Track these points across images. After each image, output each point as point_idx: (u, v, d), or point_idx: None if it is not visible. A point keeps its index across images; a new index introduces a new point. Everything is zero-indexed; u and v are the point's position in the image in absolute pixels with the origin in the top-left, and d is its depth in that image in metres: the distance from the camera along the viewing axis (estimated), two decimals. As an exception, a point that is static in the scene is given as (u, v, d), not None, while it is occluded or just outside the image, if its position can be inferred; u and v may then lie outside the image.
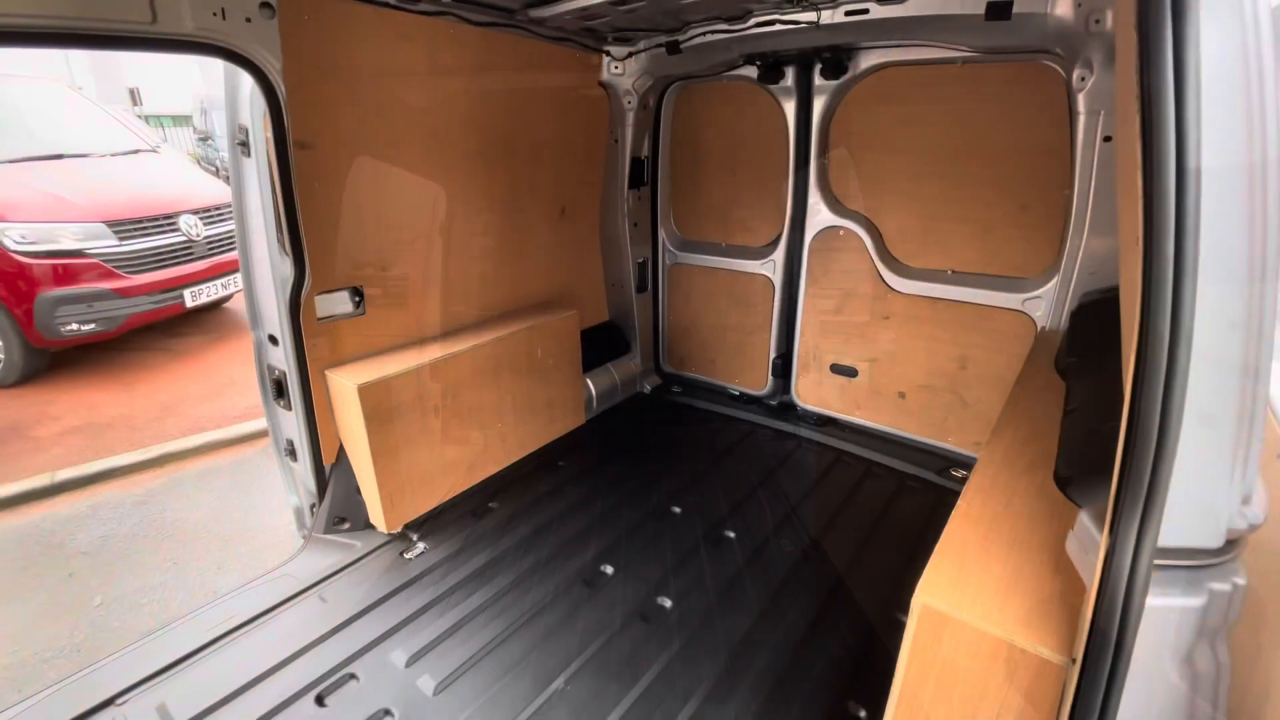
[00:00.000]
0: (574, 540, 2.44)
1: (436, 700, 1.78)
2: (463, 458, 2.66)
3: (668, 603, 2.14)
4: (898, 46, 2.60)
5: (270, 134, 1.97)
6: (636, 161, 3.27)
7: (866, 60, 2.71)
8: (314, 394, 2.31)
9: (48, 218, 4.86)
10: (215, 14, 1.72)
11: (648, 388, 3.75)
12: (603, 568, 2.30)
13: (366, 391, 2.23)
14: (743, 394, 3.54)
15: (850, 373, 3.15)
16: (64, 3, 1.45)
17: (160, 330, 6.08)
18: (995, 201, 2.58)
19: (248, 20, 1.79)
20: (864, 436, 3.14)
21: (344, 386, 2.25)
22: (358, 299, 2.35)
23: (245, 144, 2.07)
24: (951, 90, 2.56)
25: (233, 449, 4.33)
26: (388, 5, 2.09)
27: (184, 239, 5.52)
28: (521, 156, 2.82)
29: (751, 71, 2.93)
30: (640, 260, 3.52)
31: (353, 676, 1.85)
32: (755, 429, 3.32)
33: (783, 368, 3.33)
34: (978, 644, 0.99)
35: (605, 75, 3.01)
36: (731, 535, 2.48)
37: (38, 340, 4.89)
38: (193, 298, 5.58)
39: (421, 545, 2.42)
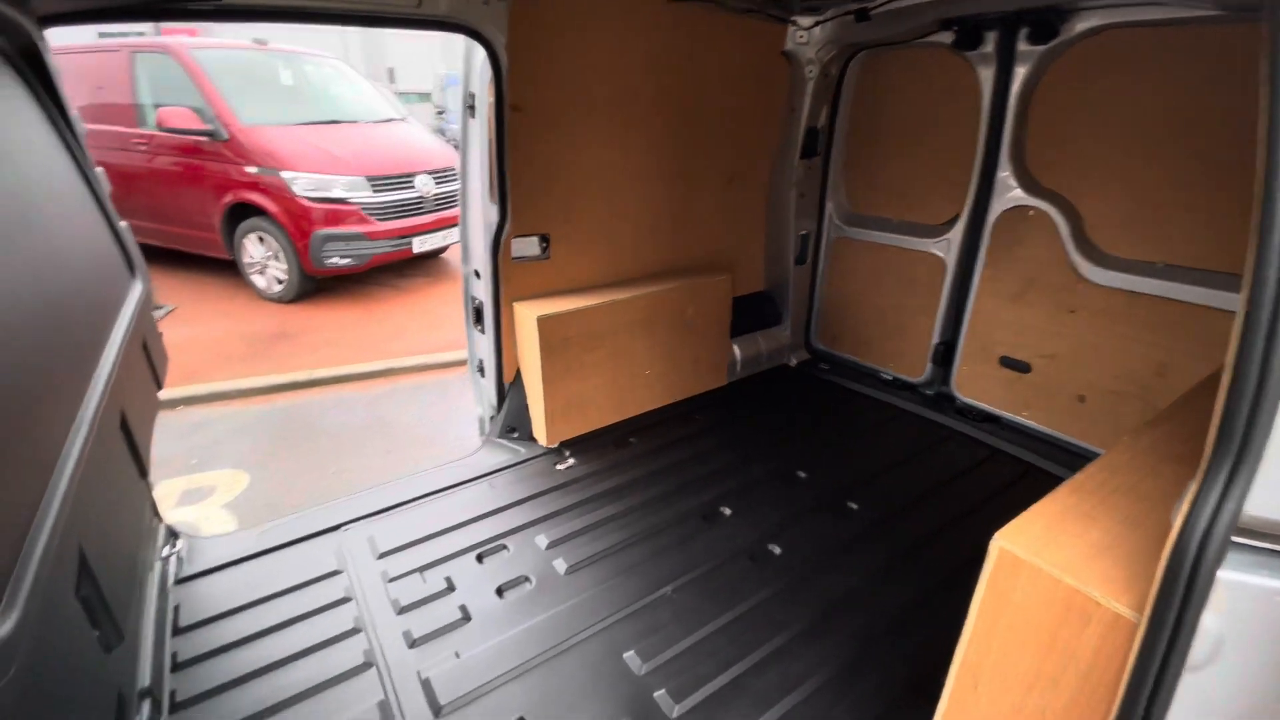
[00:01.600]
0: (699, 481, 2.67)
1: (565, 578, 2.14)
2: (614, 394, 3.01)
3: (777, 549, 2.29)
4: (1126, 5, 2.34)
5: (492, 99, 2.42)
6: (811, 131, 3.31)
7: (1084, 22, 2.47)
8: (503, 322, 2.79)
9: (324, 170, 6.16)
10: None
11: (794, 361, 3.81)
12: (721, 508, 2.51)
13: (544, 322, 2.65)
14: (896, 379, 3.46)
15: (1022, 368, 2.94)
16: None
17: (392, 270, 7.39)
18: (1233, 188, 2.24)
19: (485, 3, 2.21)
20: (1027, 438, 2.92)
21: (526, 317, 2.69)
22: (544, 244, 2.78)
23: (473, 108, 2.55)
24: (1183, 57, 2.25)
25: (439, 371, 5.23)
26: (594, -15, 2.42)
27: (418, 195, 6.64)
28: (698, 125, 3.03)
29: (946, 37, 2.81)
30: (803, 232, 3.57)
31: (504, 547, 2.29)
32: (904, 416, 3.25)
33: (944, 355, 3.19)
34: (1051, 591, 1.02)
35: (788, 45, 3.09)
36: (854, 507, 2.53)
37: (310, 269, 6.26)
38: (419, 245, 6.70)
39: (571, 460, 2.82)
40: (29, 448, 0.79)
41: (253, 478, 3.85)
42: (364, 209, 6.28)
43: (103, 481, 1.02)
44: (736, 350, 3.60)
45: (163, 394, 5.11)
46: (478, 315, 2.86)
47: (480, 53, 2.36)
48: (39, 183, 1.30)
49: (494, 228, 2.63)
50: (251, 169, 6.11)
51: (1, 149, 1.20)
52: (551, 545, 2.29)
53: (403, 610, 2.00)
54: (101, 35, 7.79)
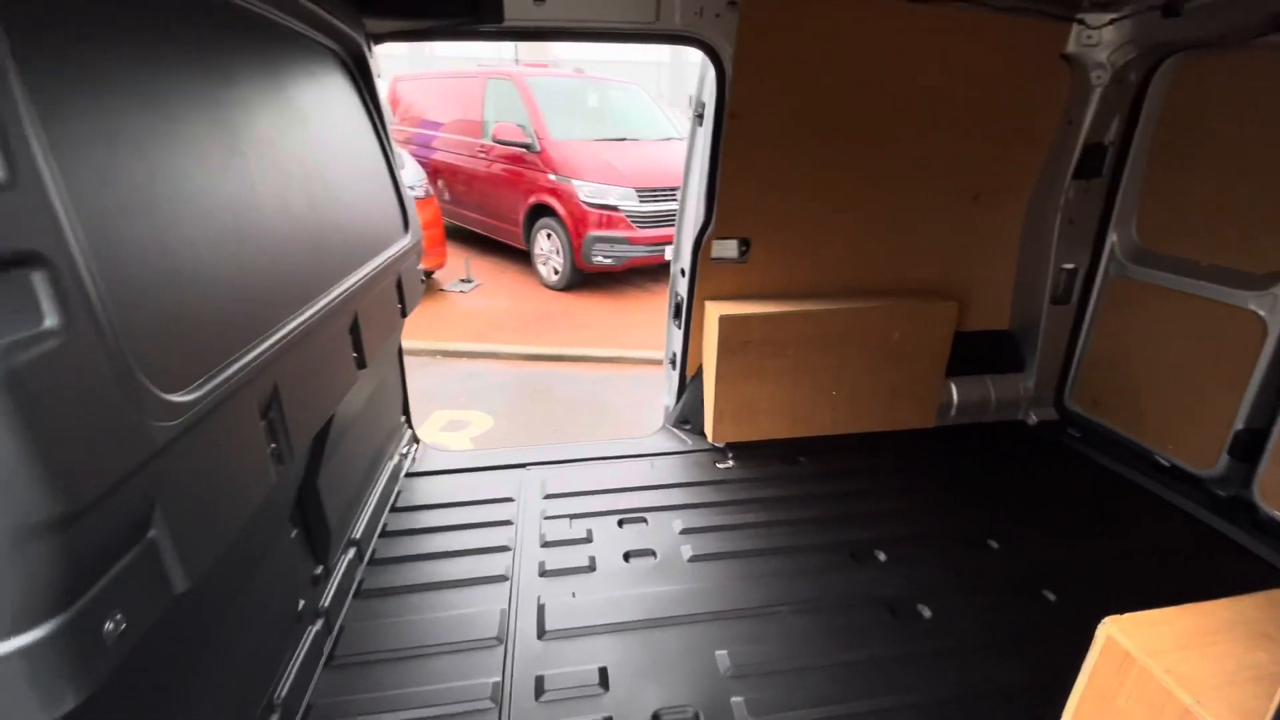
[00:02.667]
0: (861, 518, 2.45)
1: (688, 564, 2.19)
2: (789, 407, 2.93)
3: (927, 612, 2.00)
4: None
5: (714, 106, 2.58)
6: (1094, 148, 2.76)
7: None
8: (694, 318, 2.94)
9: (604, 180, 7.09)
10: (696, 12, 2.37)
11: (1034, 419, 3.20)
12: (877, 552, 2.27)
13: (725, 321, 2.73)
14: (1174, 467, 2.68)
15: None
16: (608, 9, 2.29)
17: (646, 273, 8.14)
18: None
19: (717, 16, 2.39)
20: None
21: (711, 314, 2.80)
22: (744, 248, 2.85)
23: (700, 115, 2.75)
24: None
25: (658, 367, 5.66)
26: (831, -7, 2.40)
27: (676, 207, 7.22)
28: (941, 135, 2.77)
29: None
30: (1068, 266, 2.98)
31: (644, 520, 2.43)
32: (1173, 514, 2.51)
33: (1249, 448, 2.37)
34: (1160, 704, 0.76)
35: (1071, 47, 2.62)
36: (1051, 597, 2.07)
37: (580, 263, 7.25)
38: (669, 253, 7.27)
39: (731, 462, 2.84)
40: (279, 312, 1.18)
41: (495, 422, 4.68)
42: (629, 216, 7.06)
43: (328, 363, 1.43)
44: (954, 391, 3.17)
45: (455, 346, 6.36)
46: (676, 310, 3.05)
47: (710, 65, 2.55)
48: (355, 152, 1.87)
49: (698, 228, 2.79)
50: (553, 176, 7.34)
51: (337, 126, 1.77)
52: (685, 531, 2.36)
53: (545, 544, 2.28)
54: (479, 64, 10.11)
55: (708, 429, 2.96)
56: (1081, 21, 2.58)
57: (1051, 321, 3.09)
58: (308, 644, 1.71)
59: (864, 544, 2.31)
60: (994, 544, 2.32)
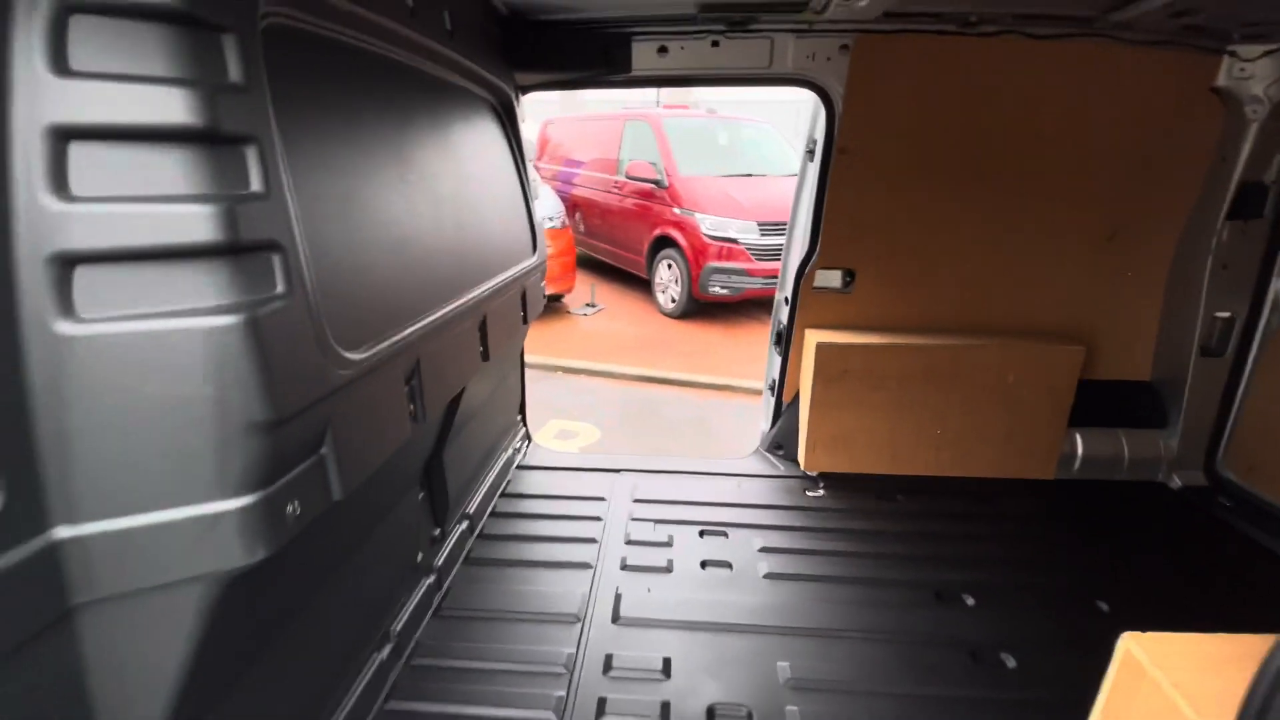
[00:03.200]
0: (954, 561, 2.37)
1: (761, 580, 2.26)
2: (888, 443, 2.89)
3: (1011, 662, 1.90)
4: None
5: (823, 142, 2.70)
6: (1252, 187, 2.50)
7: None
8: (793, 346, 3.02)
9: (726, 214, 7.31)
10: (808, 57, 2.52)
11: (1177, 482, 2.87)
12: (965, 596, 2.19)
13: (823, 349, 2.78)
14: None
15: None
16: (725, 58, 2.51)
17: (761, 305, 8.19)
18: None
19: (828, 59, 2.52)
20: None
21: (810, 342, 2.87)
22: (849, 279, 2.89)
23: (812, 152, 2.87)
24: None
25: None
26: (946, 33, 2.45)
27: (797, 240, 7.25)
28: (1067, 170, 2.67)
29: None
30: (1222, 314, 2.69)
31: (724, 534, 2.53)
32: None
33: None
34: (1167, 717, 0.77)
35: (1222, 80, 2.42)
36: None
37: (696, 293, 7.49)
38: (787, 285, 7.30)
39: (822, 491, 2.85)
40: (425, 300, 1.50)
41: (602, 435, 4.98)
42: (749, 249, 7.20)
43: (458, 351, 1.74)
44: (1079, 442, 2.94)
45: (575, 364, 6.81)
46: (778, 338, 3.15)
47: (821, 105, 2.68)
48: (497, 183, 2.23)
49: (801, 258, 2.89)
50: (677, 210, 7.70)
51: (485, 161, 2.14)
52: (764, 550, 2.42)
53: (629, 542, 2.46)
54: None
55: (800, 456, 3.00)
56: (1233, 54, 2.39)
57: (1201, 375, 2.78)
58: (420, 593, 2.01)
59: (952, 585, 2.23)
60: (1103, 606, 2.14)
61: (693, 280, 7.47)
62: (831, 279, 2.90)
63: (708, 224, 7.32)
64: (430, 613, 2.05)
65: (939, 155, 2.66)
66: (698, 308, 7.84)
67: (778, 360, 3.15)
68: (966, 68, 2.51)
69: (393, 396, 1.33)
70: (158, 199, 0.82)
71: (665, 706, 1.72)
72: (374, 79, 1.46)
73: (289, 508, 0.99)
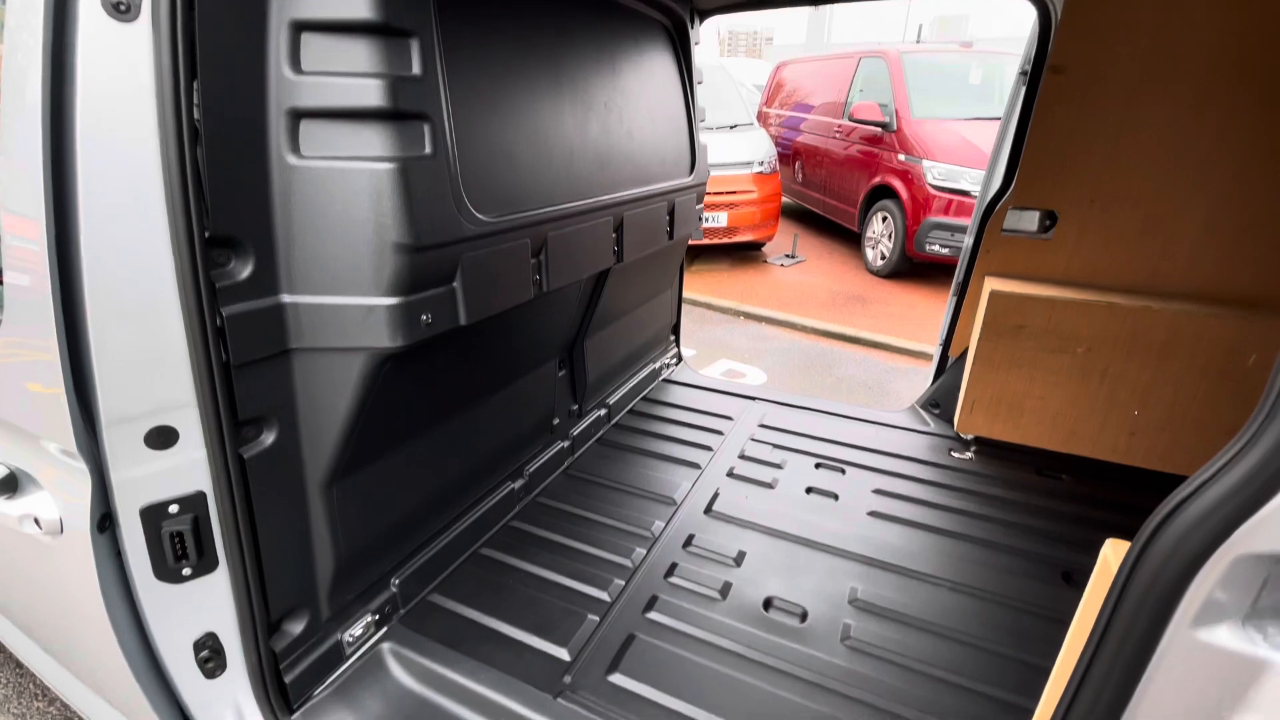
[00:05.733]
0: (1096, 542, 2.09)
1: (865, 517, 2.26)
2: (1065, 416, 2.55)
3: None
4: None
5: (1033, 60, 2.39)
6: None
7: None
8: (968, 295, 2.78)
9: (960, 161, 6.55)
10: None
11: None
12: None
13: (996, 299, 2.53)
14: None
15: None
16: None
17: (992, 273, 7.28)
18: None
19: None
20: None
21: (985, 290, 2.62)
22: (1048, 223, 2.55)
23: (1025, 73, 2.55)
24: None
25: (960, 367, 5.20)
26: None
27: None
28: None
29: None
30: None
31: (841, 470, 2.55)
32: None
33: None
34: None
35: None
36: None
37: (911, 250, 6.93)
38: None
39: (971, 455, 2.66)
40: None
41: (766, 381, 5.06)
42: (981, 204, 6.42)
43: (588, 245, 2.02)
44: (1359, 463, 2.27)
45: (758, 310, 6.90)
46: (957, 287, 2.92)
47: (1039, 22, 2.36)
48: (658, 101, 2.44)
49: (991, 195, 2.62)
50: (902, 157, 7.11)
51: (647, 79, 2.36)
52: (875, 491, 2.39)
53: (741, 456, 2.61)
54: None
55: (956, 417, 2.80)
56: None
57: None
58: (554, 452, 2.44)
59: (1089, 572, 1.99)
60: None
61: (908, 236, 6.91)
62: (1026, 221, 2.59)
63: (935, 173, 6.66)
64: (560, 470, 2.48)
65: (1187, 65, 2.17)
66: (909, 267, 7.27)
67: (951, 309, 2.93)
68: None
69: (518, 263, 1.66)
70: (349, 74, 1.21)
71: (727, 586, 1.90)
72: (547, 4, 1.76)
73: (424, 317, 1.38)
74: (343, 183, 1.24)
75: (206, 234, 1.12)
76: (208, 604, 1.32)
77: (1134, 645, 0.61)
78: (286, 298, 1.29)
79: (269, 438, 1.33)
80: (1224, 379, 2.31)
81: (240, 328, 1.20)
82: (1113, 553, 0.82)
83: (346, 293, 1.30)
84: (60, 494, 1.27)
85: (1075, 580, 1.97)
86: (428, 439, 1.76)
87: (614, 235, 2.16)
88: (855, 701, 1.55)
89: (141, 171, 1.06)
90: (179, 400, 1.16)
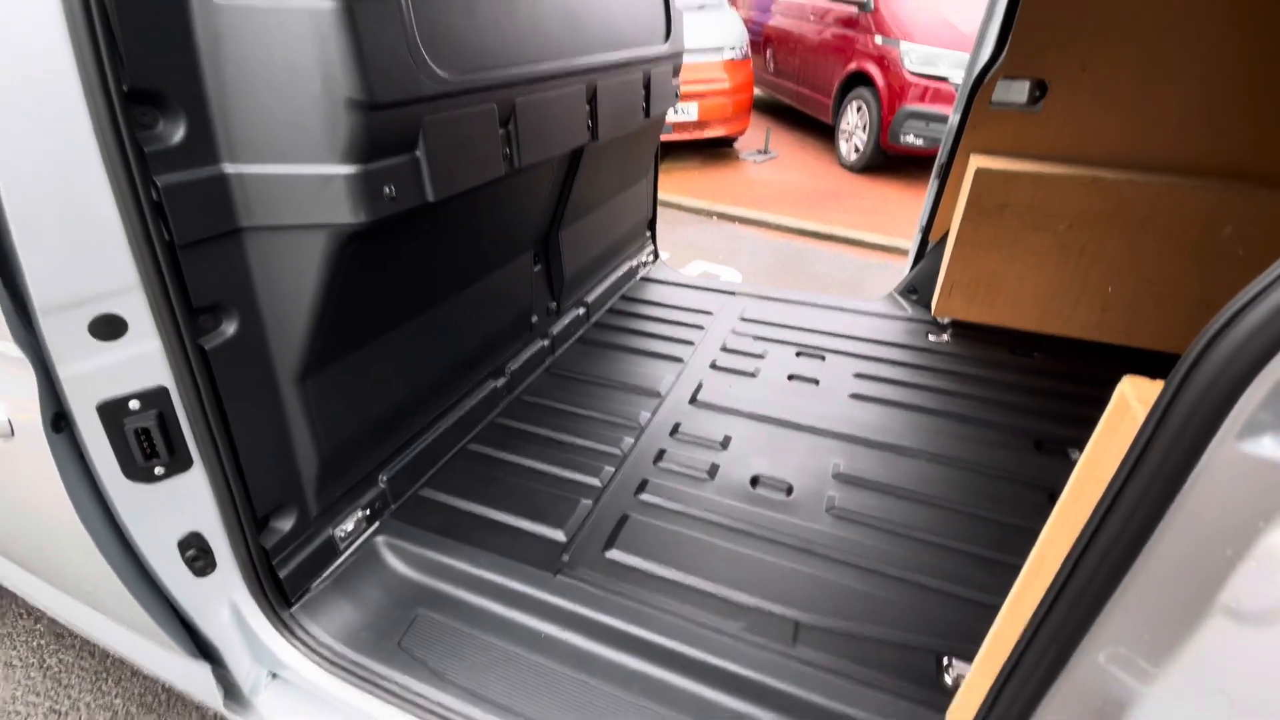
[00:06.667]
0: (1077, 420, 2.19)
1: (846, 399, 2.30)
2: (1042, 296, 2.59)
3: (1099, 512, 1.80)
4: None
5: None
6: None
7: None
8: (952, 175, 2.72)
9: (941, 44, 6.27)
10: None
11: None
12: (1071, 450, 2.05)
13: (981, 176, 2.48)
14: None
15: None
16: None
17: (965, 165, 7.19)
18: None
19: None
20: None
21: (971, 168, 2.56)
22: (1037, 93, 2.47)
23: (1023, -74, 2.36)
24: None
25: (932, 260, 5.23)
26: None
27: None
28: None
29: None
30: None
31: (821, 357, 2.57)
32: None
33: None
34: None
35: None
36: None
37: (885, 143, 6.76)
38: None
39: (946, 337, 2.70)
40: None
41: (743, 280, 5.01)
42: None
43: (562, 115, 1.87)
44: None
45: (731, 209, 6.75)
46: (940, 168, 2.85)
47: None
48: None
49: (981, 65, 2.51)
50: (879, 39, 6.77)
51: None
52: (855, 375, 2.43)
53: (723, 349, 2.61)
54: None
55: (933, 302, 2.81)
56: None
57: None
58: (535, 350, 2.39)
59: (1060, 439, 2.09)
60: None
61: (883, 127, 6.72)
62: (1015, 92, 2.50)
63: (913, 56, 6.39)
64: (542, 368, 2.45)
65: None
66: (884, 161, 7.12)
67: (934, 192, 2.88)
68: None
69: (486, 132, 1.53)
70: None
71: (715, 467, 1.94)
72: None
73: (386, 189, 1.26)
74: (280, 26, 1.08)
75: (125, 88, 0.97)
76: (187, 503, 1.27)
77: (1175, 460, 0.61)
78: (230, 167, 1.16)
79: (230, 328, 1.24)
80: (1196, 251, 2.35)
81: (180, 201, 1.08)
82: (1131, 388, 0.82)
83: (297, 160, 1.17)
84: (4, 395, 1.18)
85: (1046, 448, 2.06)
86: (402, 333, 1.68)
87: (588, 108, 2.01)
88: (841, 563, 1.62)
89: (43, 9, 0.89)
90: (122, 284, 1.06)
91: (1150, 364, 2.52)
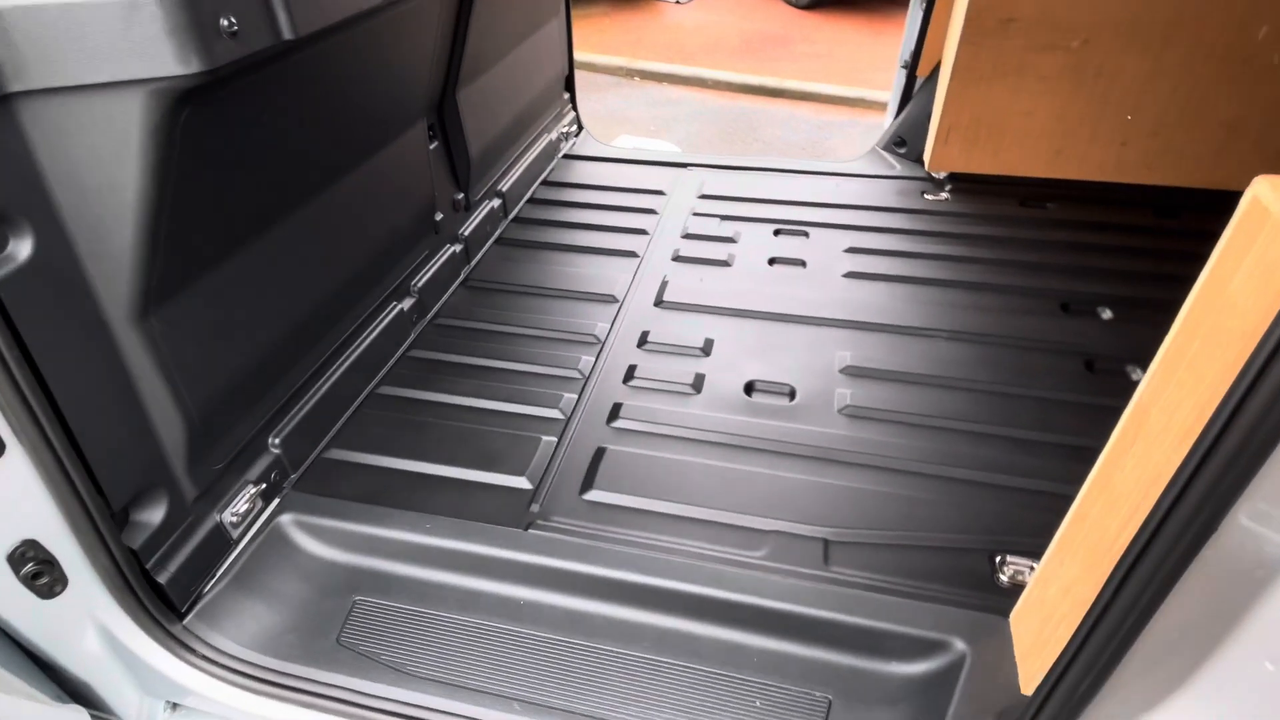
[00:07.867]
0: (1104, 275, 2.26)
1: (840, 279, 2.28)
2: (1054, 131, 2.61)
3: (1136, 373, 1.88)
4: None
5: None
6: None
7: None
8: (939, -3, 2.65)
9: None
10: None
11: None
12: (1100, 309, 2.13)
13: (980, -13, 2.41)
14: None
15: None
16: None
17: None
18: None
19: None
20: None
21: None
22: (1040, -125, 2.38)
23: None
24: None
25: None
26: None
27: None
28: None
29: None
30: None
31: (804, 233, 2.53)
32: None
33: None
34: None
35: None
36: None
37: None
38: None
39: (945, 195, 2.71)
40: None
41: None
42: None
43: None
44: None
45: (655, 66, 6.47)
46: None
47: None
48: None
49: None
50: None
51: None
52: (850, 250, 2.41)
53: (686, 235, 2.52)
54: None
55: (926, 153, 2.80)
56: None
57: None
58: (445, 259, 2.22)
59: (1087, 298, 2.16)
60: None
61: (832, -52, 6.52)
62: (1015, -127, 2.40)
63: None
64: (458, 282, 2.29)
65: None
66: (835, -6, 6.96)
67: (919, 16, 2.80)
68: None
69: None
70: None
71: (700, 378, 1.88)
72: None
73: (223, 21, 1.05)
74: None
75: None
76: (7, 504, 1.10)
77: None
78: (-27, 1, 0.92)
79: (21, 249, 1.03)
80: (1227, 61, 2.40)
81: None
82: (1270, 189, 0.79)
83: (81, -18, 0.95)
84: None
85: (1074, 308, 2.13)
86: (269, 242, 1.49)
87: None
88: (864, 468, 1.63)
89: None
90: None
91: (1175, 201, 2.64)
